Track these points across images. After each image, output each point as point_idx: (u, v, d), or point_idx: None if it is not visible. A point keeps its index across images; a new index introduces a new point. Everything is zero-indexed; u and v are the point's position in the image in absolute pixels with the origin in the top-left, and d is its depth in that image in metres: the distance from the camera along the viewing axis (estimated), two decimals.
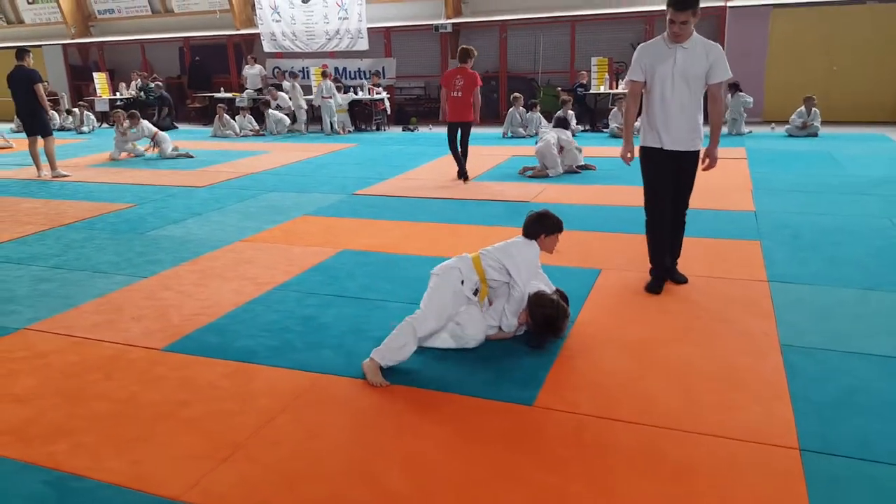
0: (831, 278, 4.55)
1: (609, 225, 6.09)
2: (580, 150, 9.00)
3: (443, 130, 15.24)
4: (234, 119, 14.93)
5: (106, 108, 18.17)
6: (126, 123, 11.46)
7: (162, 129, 16.05)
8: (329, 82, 14.38)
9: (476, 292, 3.56)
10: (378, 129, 15.55)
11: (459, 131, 8.56)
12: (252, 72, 16.85)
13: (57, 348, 3.75)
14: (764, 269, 4.71)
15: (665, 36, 4.14)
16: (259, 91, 16.72)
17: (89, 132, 16.46)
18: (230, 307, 4.31)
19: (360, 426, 2.89)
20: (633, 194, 7.36)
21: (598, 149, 11.02)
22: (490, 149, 11.40)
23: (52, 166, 9.64)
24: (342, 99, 14.85)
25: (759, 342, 3.61)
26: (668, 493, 2.40)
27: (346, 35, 16.81)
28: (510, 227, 6.09)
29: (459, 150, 8.60)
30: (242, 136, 14.63)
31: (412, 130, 15.26)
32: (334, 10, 16.77)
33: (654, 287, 4.41)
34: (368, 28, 16.60)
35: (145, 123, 11.70)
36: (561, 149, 8.68)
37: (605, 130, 13.18)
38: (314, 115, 15.84)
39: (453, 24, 16.28)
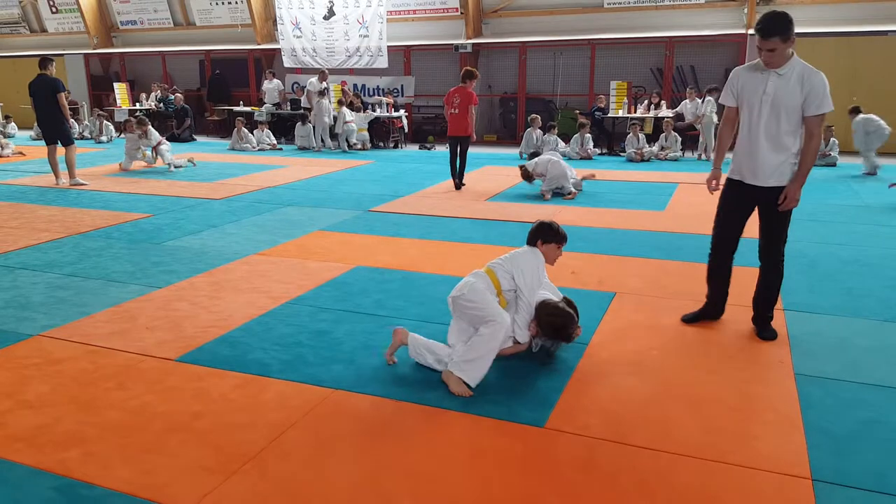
0: (848, 309, 4.50)
1: (625, 249, 6.07)
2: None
3: None
4: (252, 133, 15.06)
5: (125, 118, 18.40)
6: (137, 131, 11.48)
7: (181, 142, 16.38)
8: (345, 110, 14.55)
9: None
10: (395, 146, 15.63)
11: (458, 145, 9.30)
12: (270, 86, 17.03)
13: (70, 356, 3.78)
14: (780, 298, 4.67)
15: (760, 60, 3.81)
16: (277, 105, 16.85)
17: (108, 142, 16.67)
18: (244, 320, 4.32)
19: (371, 442, 2.88)
20: (650, 219, 7.36)
21: (615, 172, 11.03)
22: (507, 169, 11.42)
23: (71, 174, 9.76)
24: (363, 118, 14.94)
25: (774, 371, 3.57)
26: None
27: (367, 52, 16.97)
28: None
29: (458, 161, 9.39)
30: (260, 149, 14.75)
31: (429, 149, 15.33)
32: (355, 28, 16.95)
33: (688, 317, 4.30)
34: (389, 46, 16.76)
35: (152, 131, 11.77)
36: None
37: (622, 154, 13.19)
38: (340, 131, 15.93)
39: (473, 45, 16.40)
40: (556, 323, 3.58)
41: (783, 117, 3.76)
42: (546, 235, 3.75)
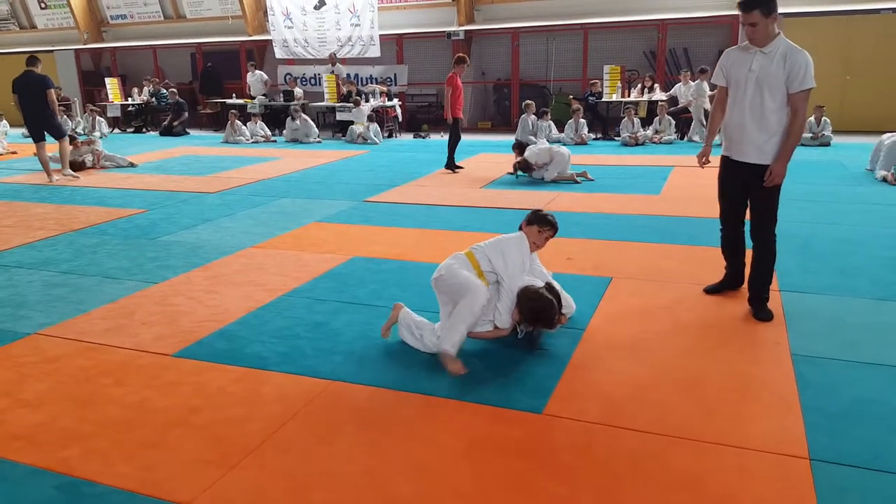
0: (843, 288, 4.52)
1: (621, 233, 6.08)
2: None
3: None
4: (245, 125, 15.01)
5: (118, 113, 18.35)
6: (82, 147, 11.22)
7: (175, 136, 16.32)
8: (363, 107, 14.61)
9: None
10: (390, 135, 15.59)
11: (459, 126, 9.91)
12: (253, 79, 16.96)
13: (68, 353, 3.78)
14: (775, 279, 4.68)
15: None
16: (264, 97, 16.77)
17: (101, 137, 16.58)
18: (241, 313, 4.32)
19: (370, 433, 2.89)
20: (645, 203, 7.36)
21: (610, 157, 11.02)
22: (502, 156, 11.40)
23: (64, 166, 9.75)
24: (369, 108, 14.91)
25: (770, 352, 3.59)
26: (678, 502, 2.39)
27: (359, 42, 16.89)
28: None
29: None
30: (254, 142, 14.71)
31: (423, 137, 15.29)
32: (346, 17, 16.86)
33: (711, 287, 4.49)
34: (380, 35, 16.68)
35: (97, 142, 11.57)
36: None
37: (616, 139, 13.17)
38: (324, 122, 15.90)
39: (466, 32, 16.33)
40: (536, 308, 3.56)
41: (767, 94, 3.86)
42: (529, 219, 3.83)
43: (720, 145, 4.25)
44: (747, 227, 4.28)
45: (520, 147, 9.30)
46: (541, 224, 3.81)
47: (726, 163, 4.16)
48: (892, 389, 3.15)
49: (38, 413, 3.12)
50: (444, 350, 3.43)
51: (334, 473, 2.61)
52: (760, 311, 4.08)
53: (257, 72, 16.97)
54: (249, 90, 17.03)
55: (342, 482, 2.55)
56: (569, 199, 7.70)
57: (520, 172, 8.99)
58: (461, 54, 9.89)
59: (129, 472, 2.63)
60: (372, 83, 16.65)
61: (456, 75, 9.60)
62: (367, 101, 15.51)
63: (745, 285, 4.29)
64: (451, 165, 9.96)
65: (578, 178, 8.72)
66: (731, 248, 4.39)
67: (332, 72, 16.02)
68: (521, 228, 3.85)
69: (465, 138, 14.93)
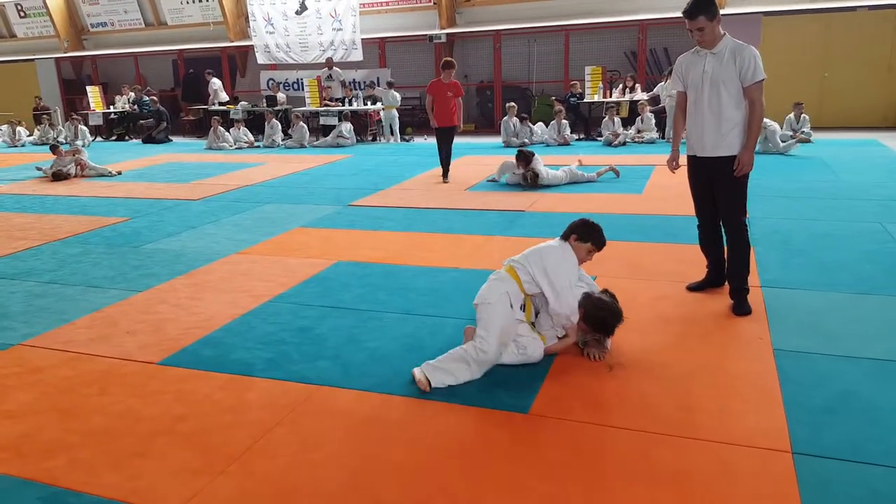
0: (823, 283, 4.57)
1: (604, 233, 6.09)
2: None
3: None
4: (228, 131, 14.95)
5: (100, 121, 18.23)
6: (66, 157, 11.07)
7: (157, 143, 16.24)
8: (394, 93, 14.82)
9: (522, 307, 3.54)
10: (373, 139, 15.59)
11: (453, 135, 9.45)
12: (214, 87, 16.95)
13: (52, 364, 3.75)
14: (757, 275, 4.73)
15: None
16: (227, 103, 16.74)
17: (83, 146, 16.46)
18: (226, 320, 4.31)
19: (357, 437, 2.90)
20: (628, 202, 7.41)
21: (593, 157, 11.07)
22: (486, 158, 11.44)
23: None
24: (395, 97, 15.03)
25: (752, 347, 3.63)
26: (663, 499, 2.41)
27: (341, 46, 16.88)
28: (506, 235, 6.13)
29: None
30: (237, 148, 14.66)
31: (407, 141, 15.30)
32: (328, 22, 16.85)
33: (693, 285, 4.56)
34: (363, 39, 16.68)
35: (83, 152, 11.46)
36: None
37: (599, 139, 13.24)
38: (318, 126, 15.86)
39: (447, 35, 16.37)
40: (601, 317, 3.49)
41: (723, 91, 4.05)
42: (582, 233, 3.62)
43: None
44: None
45: (525, 159, 8.50)
46: (594, 242, 3.64)
47: (693, 161, 4.31)
48: (872, 382, 3.19)
49: (22, 424, 3.10)
50: (423, 372, 3.30)
51: (321, 478, 2.61)
52: (740, 306, 4.15)
53: (213, 78, 16.88)
54: (215, 97, 16.99)
55: (329, 487, 2.56)
56: (552, 199, 7.74)
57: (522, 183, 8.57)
58: (449, 58, 9.36)
59: (116, 482, 2.62)
60: (356, 88, 16.65)
61: (439, 82, 9.03)
62: (350, 103, 15.54)
63: (726, 277, 4.36)
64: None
65: (597, 176, 8.75)
66: (710, 244, 4.47)
67: (330, 76, 15.99)
68: (566, 239, 3.64)
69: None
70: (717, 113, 4.07)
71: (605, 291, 3.72)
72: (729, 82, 4.02)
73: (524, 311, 3.56)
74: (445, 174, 9.42)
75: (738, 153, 4.06)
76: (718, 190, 4.22)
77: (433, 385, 3.27)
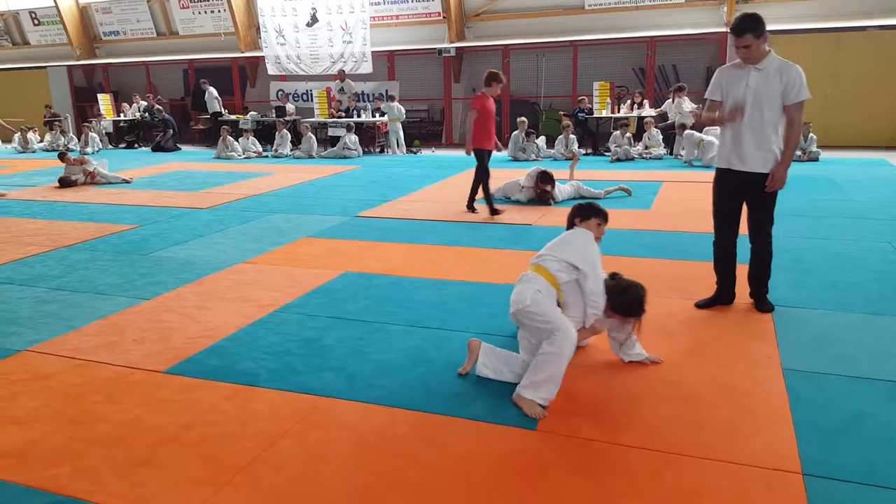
0: (834, 303, 4.54)
1: (612, 248, 6.06)
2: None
3: (446, 153, 15.38)
4: (237, 141, 15.02)
5: (110, 128, 18.33)
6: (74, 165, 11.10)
7: (166, 151, 16.32)
8: (399, 106, 14.85)
9: (557, 303, 3.45)
10: (381, 151, 15.64)
11: (486, 159, 7.82)
12: (208, 96, 16.89)
13: (59, 370, 3.75)
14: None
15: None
16: (218, 114, 16.70)
17: (93, 153, 16.57)
18: (232, 329, 4.31)
19: (363, 450, 2.88)
20: (636, 218, 7.39)
21: (600, 172, 11.07)
22: (494, 171, 11.40)
23: None
24: (400, 110, 15.07)
25: (761, 366, 3.60)
26: None
27: (351, 58, 16.97)
28: (513, 249, 6.12)
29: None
30: (246, 157, 14.72)
31: (415, 153, 15.34)
32: (339, 34, 16.95)
33: (702, 303, 4.54)
34: (372, 51, 16.77)
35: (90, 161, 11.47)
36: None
37: (606, 154, 13.24)
38: (324, 138, 15.91)
39: (457, 48, 16.44)
40: (629, 301, 3.44)
41: (765, 108, 4.08)
42: (583, 213, 3.67)
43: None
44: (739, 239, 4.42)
45: (548, 181, 8.26)
46: (598, 216, 3.66)
47: (724, 174, 4.32)
48: (884, 404, 3.16)
49: (29, 431, 3.09)
50: (541, 399, 3.14)
51: (326, 492, 2.59)
52: (762, 303, 4.39)
53: (209, 87, 16.87)
54: (206, 108, 17.03)
55: (334, 500, 2.54)
56: (559, 214, 7.70)
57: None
58: (495, 70, 7.65)
59: (120, 490, 2.61)
60: (364, 100, 16.73)
61: (484, 96, 7.60)
62: (358, 115, 15.61)
63: (747, 280, 4.49)
64: (473, 204, 8.09)
65: (605, 194, 8.72)
66: (726, 260, 4.48)
67: (342, 89, 16.07)
68: (574, 225, 3.68)
69: (457, 153, 15.09)
70: (758, 128, 4.11)
71: (614, 275, 3.63)
72: (772, 99, 4.06)
73: (559, 305, 3.45)
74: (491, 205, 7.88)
75: (772, 170, 4.13)
76: (752, 204, 4.29)
77: (546, 403, 3.14)
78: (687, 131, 12.04)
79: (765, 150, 4.13)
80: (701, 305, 4.52)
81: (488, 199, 7.81)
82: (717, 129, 4.62)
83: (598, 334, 3.64)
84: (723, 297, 4.52)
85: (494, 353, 3.50)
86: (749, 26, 3.97)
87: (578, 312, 3.50)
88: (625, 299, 3.47)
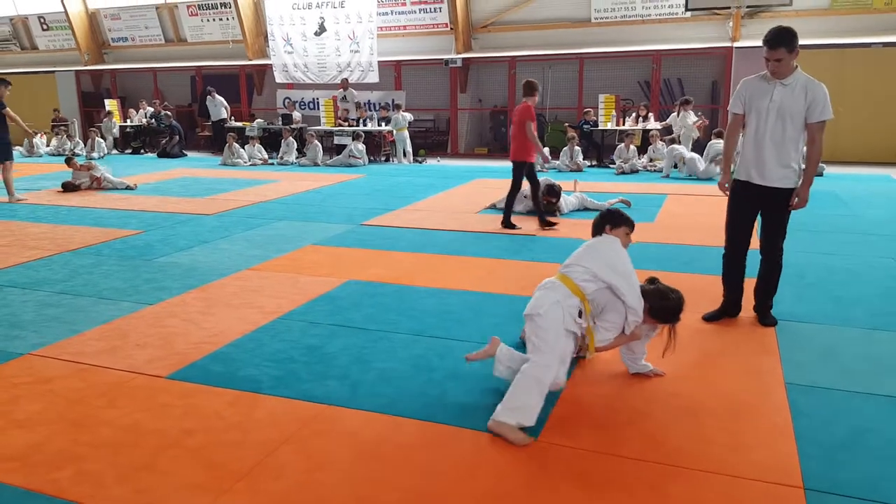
0: (837, 317, 4.54)
1: None
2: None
3: (452, 163, 15.40)
4: (243, 148, 15.09)
5: (117, 134, 18.42)
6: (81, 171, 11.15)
7: (172, 157, 16.39)
8: (404, 114, 14.90)
9: (581, 313, 3.35)
10: (387, 160, 15.68)
11: (520, 173, 7.60)
12: (213, 104, 16.82)
13: (61, 374, 3.76)
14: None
15: (767, 72, 4.18)
16: (223, 122, 16.67)
17: (100, 158, 16.63)
18: (235, 336, 4.31)
19: (365, 458, 2.88)
20: (640, 230, 7.34)
21: (605, 184, 11.09)
22: (498, 181, 11.46)
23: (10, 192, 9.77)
24: (404, 118, 15.10)
25: (764, 380, 3.59)
26: None
27: (358, 68, 17.06)
28: (518, 259, 6.13)
29: (529, 192, 7.86)
30: (251, 164, 14.77)
31: (420, 162, 15.38)
32: (346, 44, 17.05)
33: (709, 315, 4.53)
34: (379, 61, 16.85)
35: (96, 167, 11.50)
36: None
37: (611, 166, 13.27)
38: (332, 145, 15.95)
39: (463, 59, 16.52)
40: (669, 307, 3.43)
41: (788, 123, 4.10)
42: (614, 220, 3.64)
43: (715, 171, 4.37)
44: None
45: (556, 194, 8.30)
46: (628, 225, 3.67)
47: (745, 187, 4.31)
48: (886, 419, 3.15)
49: (31, 434, 3.10)
50: (517, 423, 3.00)
51: (326, 500, 2.59)
52: (765, 317, 4.40)
53: (217, 97, 16.90)
54: (210, 116, 17.04)
55: None
56: (564, 225, 7.73)
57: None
58: (532, 80, 7.57)
59: (122, 495, 2.61)
60: (371, 109, 16.80)
61: (531, 107, 7.48)
62: (364, 124, 15.67)
63: (752, 293, 4.51)
64: (509, 221, 7.72)
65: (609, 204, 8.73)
66: (735, 273, 4.49)
67: (345, 97, 16.15)
68: (600, 233, 3.63)
69: (462, 163, 15.14)
70: (780, 143, 4.12)
71: (653, 280, 3.59)
72: (796, 115, 4.07)
73: (582, 317, 3.34)
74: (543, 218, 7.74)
75: (793, 186, 4.16)
76: (767, 219, 4.32)
77: (528, 424, 3.01)
78: (670, 146, 12.09)
79: (784, 165, 4.15)
80: (708, 318, 4.51)
81: (508, 209, 7.75)
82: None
83: (636, 338, 3.54)
84: (730, 309, 4.53)
85: (512, 355, 3.45)
86: (784, 40, 3.96)
87: (618, 318, 3.41)
88: (665, 304, 3.46)
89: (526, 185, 7.79)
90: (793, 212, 4.29)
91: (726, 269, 4.52)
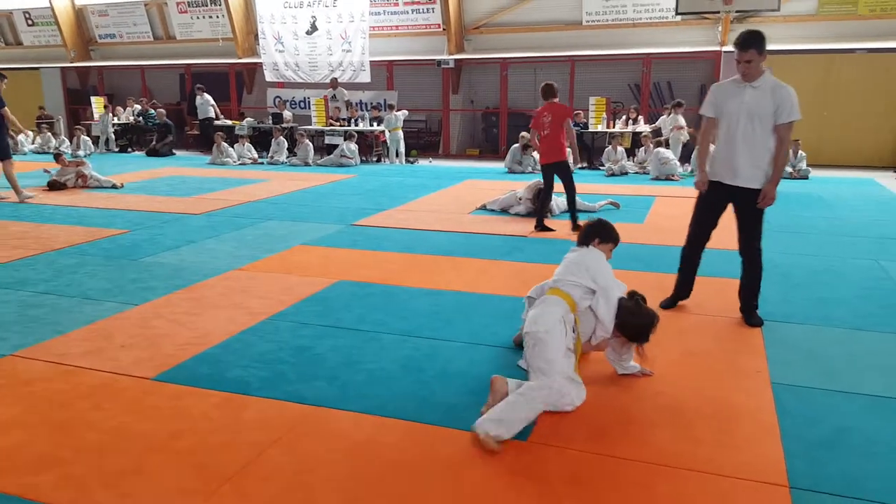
0: (821, 318, 4.58)
1: None
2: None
3: (444, 164, 15.39)
4: (232, 147, 15.01)
5: (111, 132, 18.25)
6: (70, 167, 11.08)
7: (161, 156, 16.28)
8: (397, 113, 14.84)
9: (574, 328, 3.43)
10: (378, 160, 15.65)
11: (556, 175, 7.53)
12: (201, 102, 16.65)
13: (44, 376, 3.71)
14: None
15: (738, 75, 4.34)
16: (210, 120, 16.63)
17: (85, 156, 16.49)
18: (223, 337, 4.29)
19: (354, 460, 2.86)
20: (629, 231, 7.38)
21: (595, 186, 11.11)
22: (490, 183, 11.49)
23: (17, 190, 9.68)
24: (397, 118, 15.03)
25: (750, 380, 3.62)
26: None
27: (349, 67, 17.01)
28: (508, 260, 6.13)
29: (565, 196, 7.70)
30: (241, 163, 14.70)
31: (412, 163, 15.36)
32: (338, 43, 16.99)
33: (665, 303, 4.75)
34: (371, 61, 16.81)
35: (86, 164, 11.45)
36: None
37: (601, 168, 13.30)
38: (323, 145, 15.90)
39: (456, 60, 16.52)
40: (638, 325, 3.46)
41: (758, 124, 4.25)
42: (604, 235, 3.75)
43: (692, 173, 4.49)
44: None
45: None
46: (614, 241, 3.80)
47: (716, 187, 4.46)
48: (869, 418, 3.19)
49: (9, 437, 3.05)
50: (497, 435, 2.93)
51: (315, 501, 2.58)
52: (751, 317, 4.48)
53: (205, 94, 16.81)
54: (199, 113, 16.97)
55: None
56: (554, 226, 7.73)
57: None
58: (551, 82, 7.77)
59: (106, 500, 2.58)
60: (362, 108, 16.76)
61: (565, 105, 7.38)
62: (356, 123, 15.63)
63: (737, 294, 4.59)
64: (543, 223, 7.60)
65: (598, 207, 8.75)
66: (691, 264, 4.74)
67: (334, 96, 16.10)
68: (587, 245, 3.71)
69: (454, 164, 15.13)
70: (751, 144, 4.26)
71: (634, 294, 3.63)
72: (765, 117, 4.21)
73: (575, 332, 3.43)
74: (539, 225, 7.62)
75: (762, 186, 4.27)
76: (742, 218, 4.43)
77: (507, 437, 2.95)
78: (657, 149, 12.16)
79: (756, 166, 4.27)
80: (665, 306, 4.72)
81: (540, 213, 7.70)
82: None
83: (598, 351, 3.69)
84: (683, 293, 4.80)
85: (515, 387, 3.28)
86: (754, 42, 4.16)
87: (587, 329, 3.54)
88: (632, 322, 3.50)
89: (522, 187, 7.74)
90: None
91: (685, 259, 4.74)
